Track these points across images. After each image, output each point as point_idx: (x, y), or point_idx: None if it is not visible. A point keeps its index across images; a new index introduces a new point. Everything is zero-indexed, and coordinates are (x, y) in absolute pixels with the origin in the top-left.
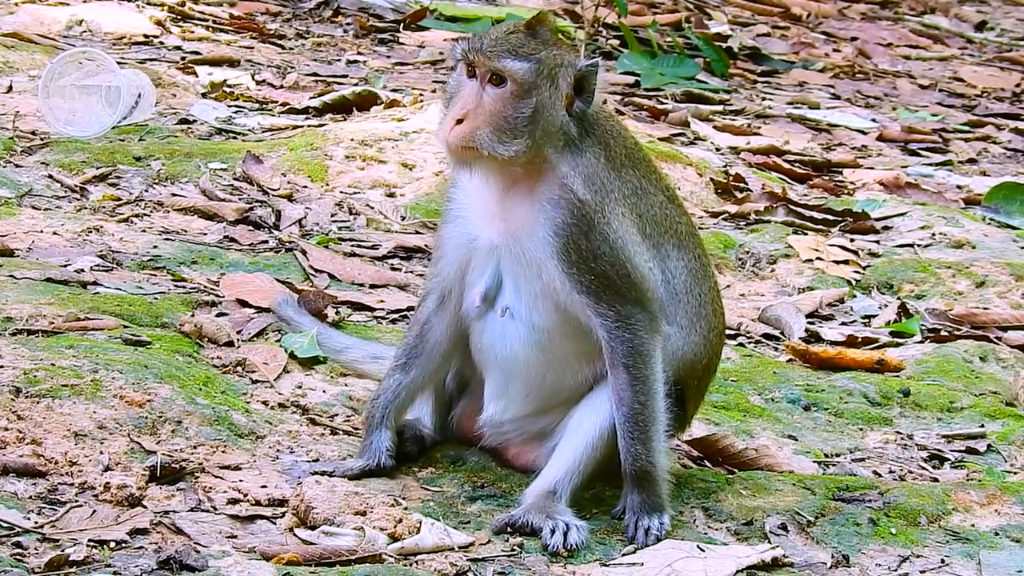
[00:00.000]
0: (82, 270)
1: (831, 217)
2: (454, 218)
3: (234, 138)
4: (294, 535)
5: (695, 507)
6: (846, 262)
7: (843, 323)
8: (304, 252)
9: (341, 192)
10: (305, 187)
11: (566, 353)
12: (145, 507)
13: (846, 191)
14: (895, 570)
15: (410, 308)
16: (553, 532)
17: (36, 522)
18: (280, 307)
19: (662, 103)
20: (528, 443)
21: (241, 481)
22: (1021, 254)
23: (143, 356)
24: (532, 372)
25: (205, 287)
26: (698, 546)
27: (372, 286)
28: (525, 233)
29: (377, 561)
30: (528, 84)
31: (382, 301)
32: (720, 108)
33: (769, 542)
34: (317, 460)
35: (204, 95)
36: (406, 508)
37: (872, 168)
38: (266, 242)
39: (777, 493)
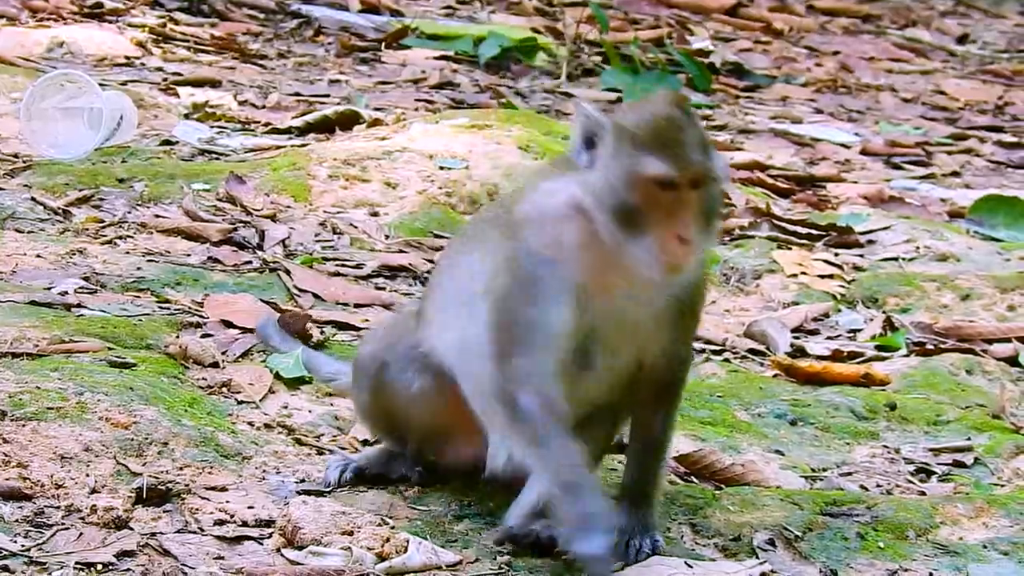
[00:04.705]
0: (66, 292)
1: (815, 232)
2: (551, 297)
3: (217, 159)
4: (282, 556)
5: (682, 523)
6: (831, 276)
7: (828, 337)
8: (288, 272)
9: (324, 212)
10: (288, 207)
11: (622, 405)
12: (132, 529)
13: (830, 205)
14: None
15: None
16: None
17: (23, 545)
18: (264, 328)
19: None
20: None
21: (228, 502)
22: (1006, 267)
23: (128, 378)
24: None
25: (189, 308)
26: (686, 562)
27: (357, 305)
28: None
29: None
30: (721, 178)
31: (367, 320)
32: (703, 123)
33: (757, 558)
34: (304, 480)
35: (186, 116)
36: (393, 527)
37: (856, 182)
38: (250, 262)
39: (764, 508)
